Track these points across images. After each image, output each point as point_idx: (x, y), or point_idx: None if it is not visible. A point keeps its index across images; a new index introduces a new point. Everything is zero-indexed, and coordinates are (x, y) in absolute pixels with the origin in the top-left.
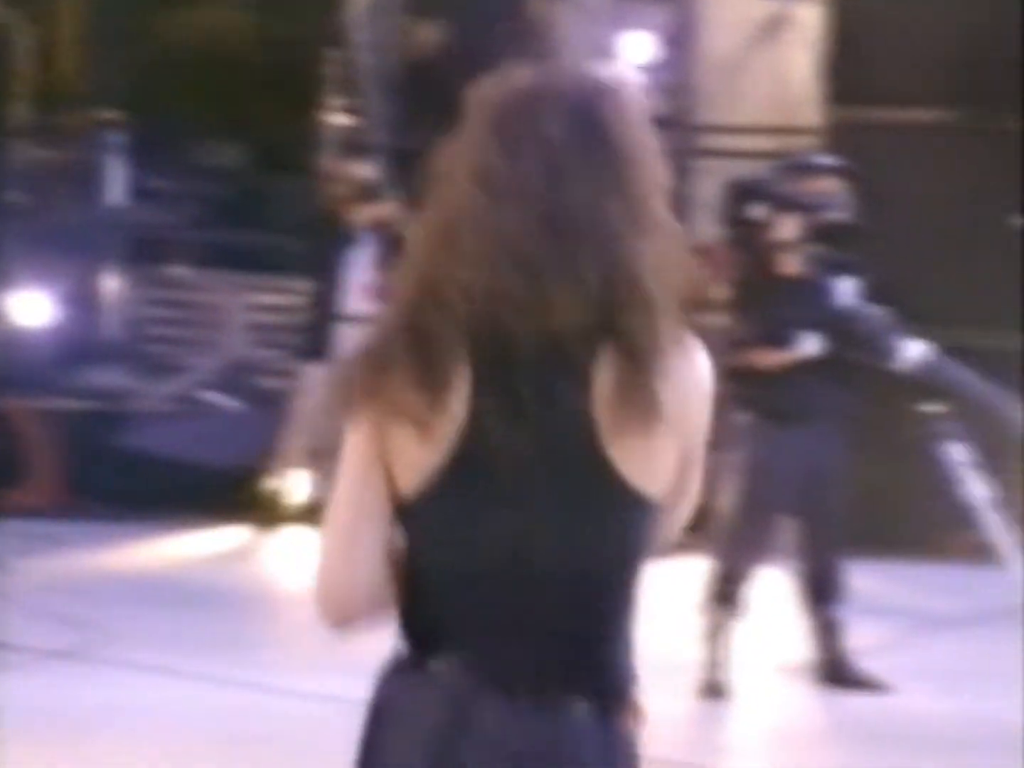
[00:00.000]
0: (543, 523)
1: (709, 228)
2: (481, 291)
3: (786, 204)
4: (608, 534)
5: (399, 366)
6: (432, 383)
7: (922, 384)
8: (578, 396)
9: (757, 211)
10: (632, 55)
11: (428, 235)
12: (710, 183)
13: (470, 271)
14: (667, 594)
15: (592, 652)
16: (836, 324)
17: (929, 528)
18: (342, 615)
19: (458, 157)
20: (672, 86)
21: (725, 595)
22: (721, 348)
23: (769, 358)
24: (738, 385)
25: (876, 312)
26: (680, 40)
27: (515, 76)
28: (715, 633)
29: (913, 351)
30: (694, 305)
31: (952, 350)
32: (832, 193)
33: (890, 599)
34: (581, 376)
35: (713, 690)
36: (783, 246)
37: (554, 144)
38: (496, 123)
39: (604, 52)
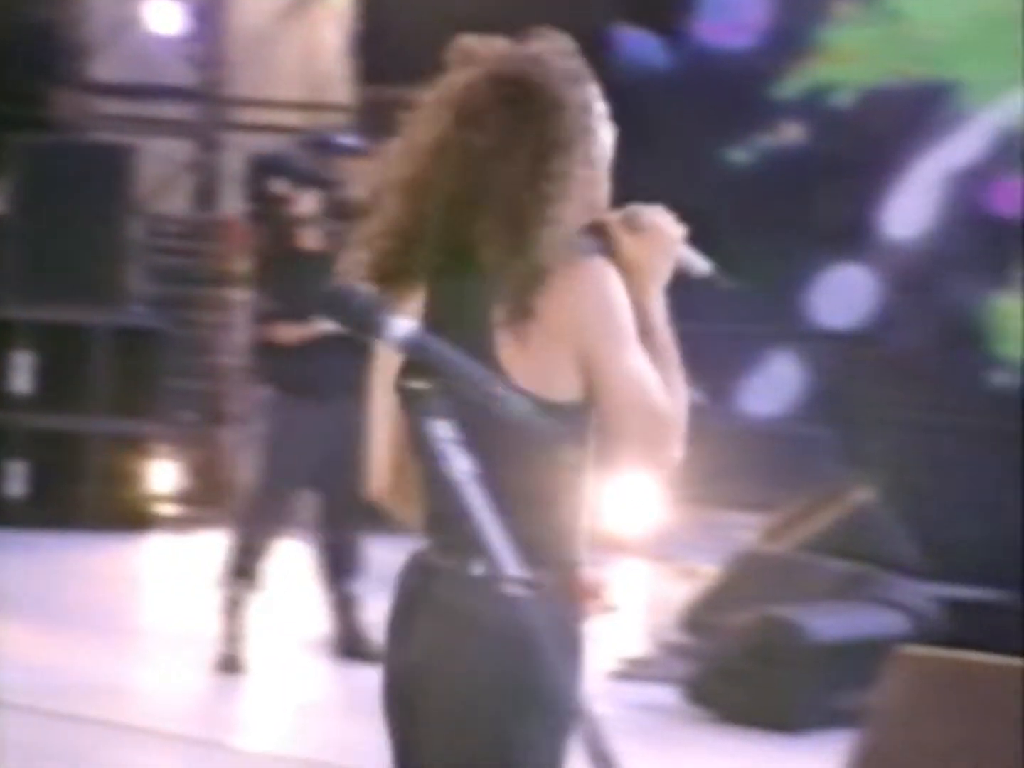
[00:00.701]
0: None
1: (236, 202)
2: (426, 234)
3: (306, 180)
4: (496, 427)
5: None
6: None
7: (412, 360)
8: (483, 312)
9: (278, 186)
10: (160, 25)
11: (394, 187)
12: (239, 157)
13: (419, 218)
14: (185, 567)
15: (511, 531)
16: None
17: None
18: (375, 489)
19: (422, 127)
20: (201, 58)
21: (243, 569)
22: (244, 322)
23: (289, 332)
24: (259, 359)
25: (366, 288)
26: (210, 12)
27: (476, 61)
28: (233, 607)
29: (400, 328)
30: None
31: None
32: (353, 170)
33: None
34: (484, 299)
35: (230, 664)
36: (302, 221)
37: (492, 122)
38: (454, 102)
39: (132, 21)
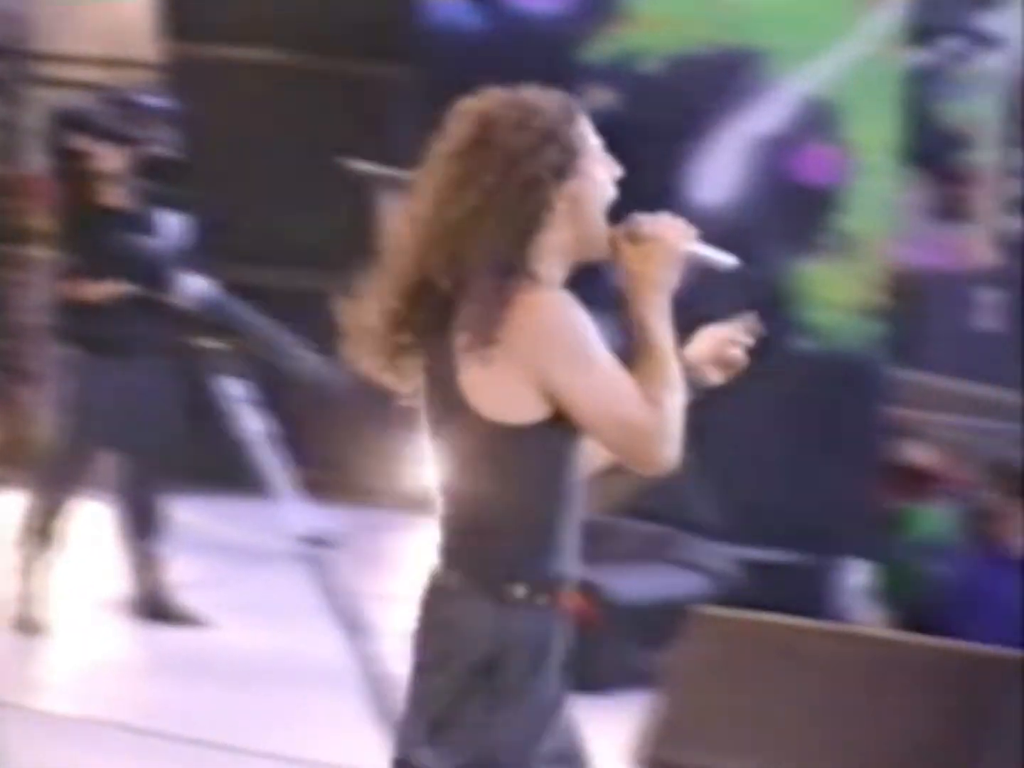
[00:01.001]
0: (436, 442)
1: (38, 157)
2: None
3: (108, 135)
4: (466, 452)
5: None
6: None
7: (206, 319)
8: (448, 339)
9: (79, 141)
10: None
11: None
12: (41, 113)
13: (408, 264)
14: None
15: (482, 548)
16: (125, 258)
17: (236, 461)
18: None
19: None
20: (2, 12)
21: (43, 528)
22: (45, 279)
23: (92, 290)
24: (62, 317)
25: (163, 246)
26: None
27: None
28: (31, 567)
29: (194, 286)
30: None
31: (278, 290)
32: (157, 127)
33: (208, 533)
34: (451, 325)
35: (29, 625)
36: (104, 178)
37: (462, 159)
38: (444, 144)
39: None
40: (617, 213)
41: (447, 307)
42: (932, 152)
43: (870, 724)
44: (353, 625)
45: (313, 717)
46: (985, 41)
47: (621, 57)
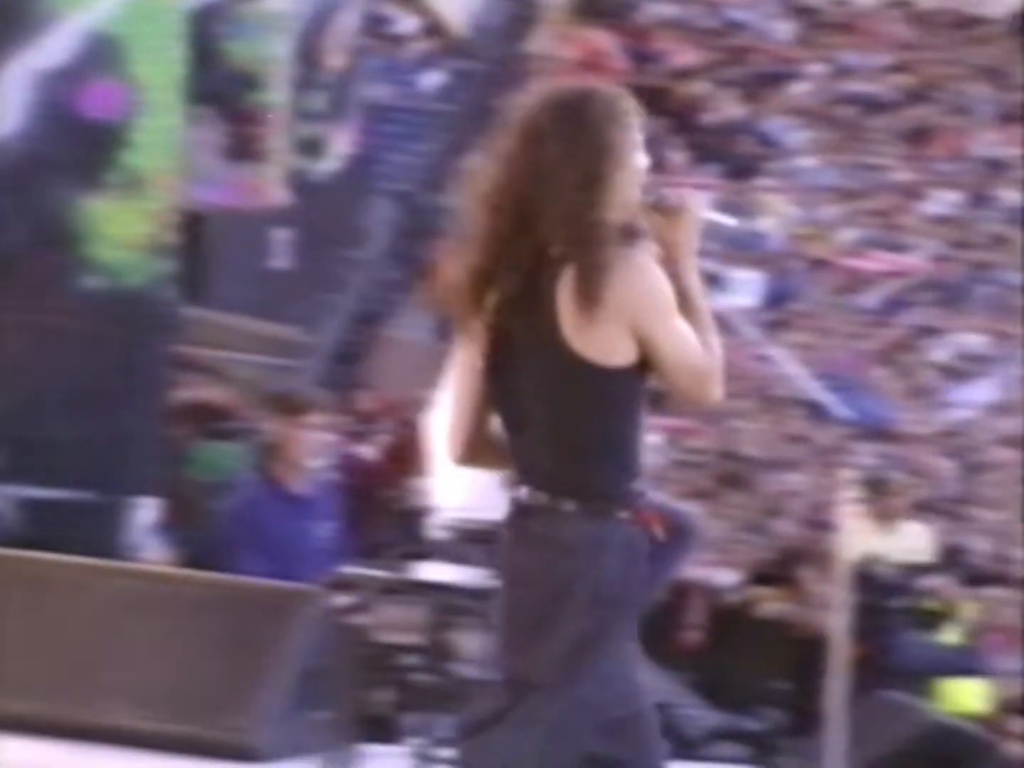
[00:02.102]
0: (528, 384)
1: None
2: (497, 240)
3: None
4: (569, 390)
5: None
6: (471, 303)
7: None
8: (550, 299)
9: None
10: None
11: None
12: None
13: (496, 225)
14: None
15: (584, 473)
16: None
17: None
18: (455, 454)
19: (501, 145)
20: None
21: None
22: None
23: None
24: None
25: None
26: None
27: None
28: None
29: None
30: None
31: None
32: None
33: None
34: (552, 287)
35: None
36: None
37: (544, 132)
38: (519, 124)
39: None
40: None
41: (542, 265)
42: (221, 91)
43: (154, 660)
44: None
45: None
46: None
47: None
